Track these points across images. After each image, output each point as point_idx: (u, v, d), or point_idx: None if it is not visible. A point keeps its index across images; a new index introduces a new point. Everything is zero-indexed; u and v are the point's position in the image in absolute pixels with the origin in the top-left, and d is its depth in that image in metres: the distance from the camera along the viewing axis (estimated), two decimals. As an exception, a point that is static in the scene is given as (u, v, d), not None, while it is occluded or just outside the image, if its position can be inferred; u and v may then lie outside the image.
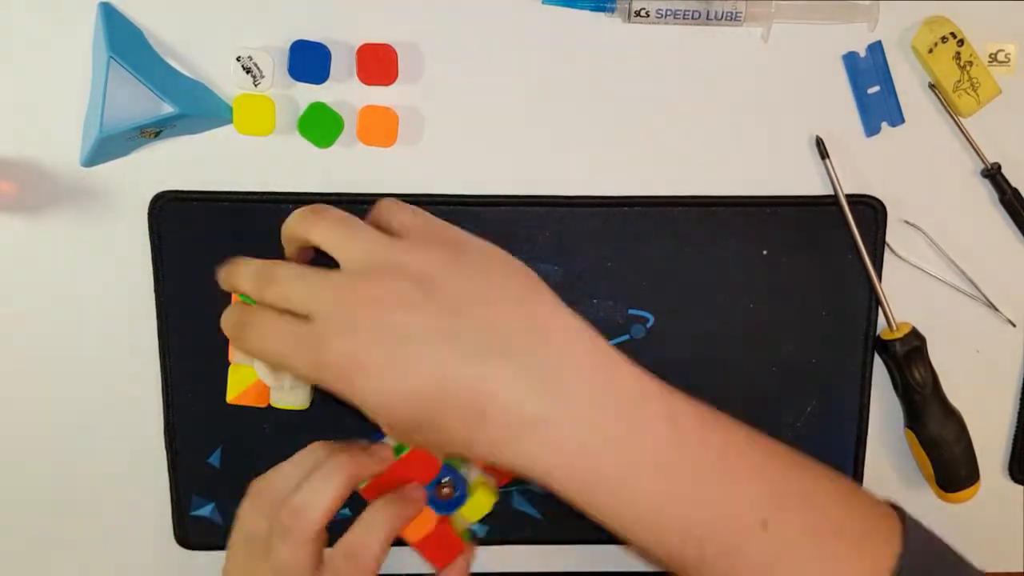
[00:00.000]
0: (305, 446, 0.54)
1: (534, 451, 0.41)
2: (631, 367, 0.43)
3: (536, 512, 0.61)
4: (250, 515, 0.50)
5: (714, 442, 0.43)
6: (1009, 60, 0.58)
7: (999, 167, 0.58)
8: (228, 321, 0.47)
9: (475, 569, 0.62)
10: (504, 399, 0.40)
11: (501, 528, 0.61)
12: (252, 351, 0.45)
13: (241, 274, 0.47)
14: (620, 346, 0.59)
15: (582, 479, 0.41)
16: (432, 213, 0.57)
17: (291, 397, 0.56)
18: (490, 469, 0.55)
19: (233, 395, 0.56)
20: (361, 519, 0.49)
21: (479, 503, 0.54)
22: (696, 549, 0.42)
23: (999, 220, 0.59)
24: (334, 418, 0.55)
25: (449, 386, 0.40)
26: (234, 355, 0.56)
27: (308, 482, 0.48)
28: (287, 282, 0.44)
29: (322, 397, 0.56)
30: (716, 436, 0.44)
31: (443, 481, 0.52)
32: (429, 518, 0.52)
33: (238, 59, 0.55)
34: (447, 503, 0.53)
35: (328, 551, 0.49)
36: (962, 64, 0.56)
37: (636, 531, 0.42)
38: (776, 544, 0.42)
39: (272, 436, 0.59)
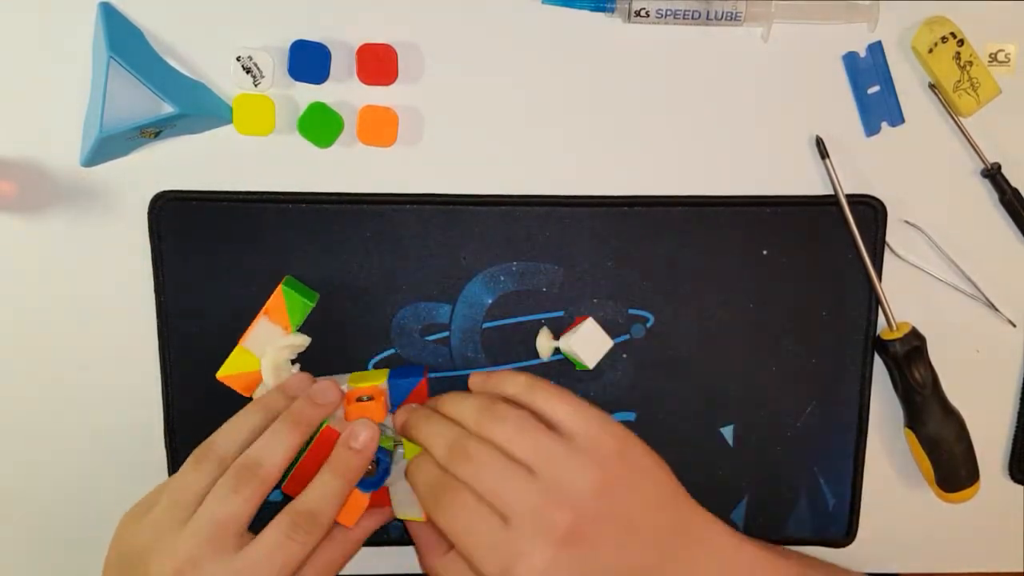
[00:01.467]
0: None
1: None
2: (756, 548, 0.51)
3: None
4: (191, 475, 0.50)
5: None
6: (1009, 60, 0.58)
7: (999, 167, 0.58)
8: (422, 479, 0.50)
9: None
10: None
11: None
12: (442, 525, 0.48)
13: (435, 432, 0.51)
14: (620, 346, 0.59)
15: None
16: (432, 213, 0.58)
17: None
18: None
19: (225, 373, 0.56)
20: (320, 481, 0.51)
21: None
22: None
23: (999, 220, 0.59)
24: None
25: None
26: (248, 342, 0.55)
27: (263, 438, 0.50)
28: (485, 469, 0.48)
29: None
30: None
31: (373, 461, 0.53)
32: (360, 501, 0.53)
33: (238, 59, 0.55)
34: (370, 481, 0.53)
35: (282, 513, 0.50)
36: (962, 64, 0.56)
37: None
38: None
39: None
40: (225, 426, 0.52)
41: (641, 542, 0.48)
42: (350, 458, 0.51)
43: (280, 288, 0.55)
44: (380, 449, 0.53)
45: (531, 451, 0.48)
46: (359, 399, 0.54)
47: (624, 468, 0.48)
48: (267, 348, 0.55)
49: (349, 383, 0.55)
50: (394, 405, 0.55)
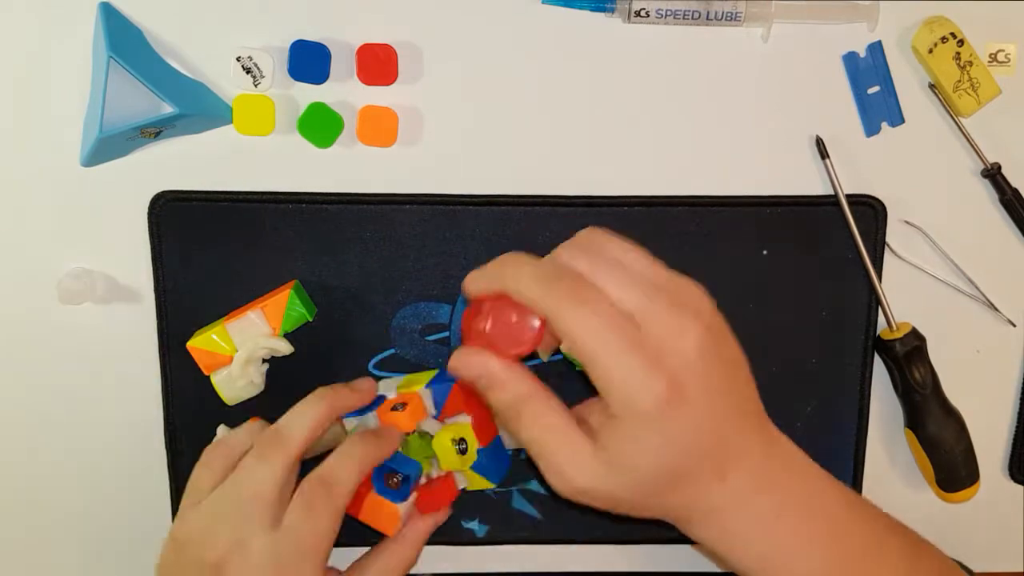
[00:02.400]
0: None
1: (741, 528, 0.45)
2: (818, 468, 0.48)
3: (536, 512, 0.61)
4: (205, 468, 0.53)
5: (868, 519, 0.48)
6: (1009, 60, 0.58)
7: (999, 167, 0.58)
8: (532, 272, 0.43)
9: (476, 569, 0.62)
10: (742, 480, 0.44)
11: (501, 528, 0.61)
12: (569, 322, 0.41)
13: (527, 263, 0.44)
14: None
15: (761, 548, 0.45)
16: (432, 213, 0.58)
17: (232, 391, 0.56)
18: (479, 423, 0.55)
19: (195, 344, 0.55)
20: (338, 450, 0.51)
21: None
22: None
23: (999, 220, 0.59)
24: (258, 414, 0.56)
25: (720, 439, 0.43)
26: (233, 326, 0.55)
27: (290, 411, 0.52)
28: (604, 271, 0.42)
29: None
30: (865, 514, 0.48)
31: (396, 471, 0.53)
32: (390, 511, 0.53)
33: (238, 59, 0.55)
34: (395, 493, 0.53)
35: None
36: (962, 64, 0.56)
37: None
38: None
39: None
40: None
41: (749, 389, 0.46)
42: (374, 439, 0.52)
43: (288, 292, 0.55)
44: (408, 461, 0.53)
45: (646, 265, 0.43)
46: (393, 408, 0.54)
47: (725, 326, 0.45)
48: (248, 341, 0.55)
49: (397, 389, 0.55)
50: (437, 408, 0.54)
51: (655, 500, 0.43)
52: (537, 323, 0.43)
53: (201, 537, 0.50)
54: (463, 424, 0.54)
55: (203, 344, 0.55)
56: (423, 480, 0.55)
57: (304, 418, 0.52)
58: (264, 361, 0.57)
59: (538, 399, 0.43)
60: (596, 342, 0.41)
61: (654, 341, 0.41)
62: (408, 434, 0.54)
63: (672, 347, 0.41)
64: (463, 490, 0.56)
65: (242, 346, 0.55)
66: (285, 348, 0.55)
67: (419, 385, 0.54)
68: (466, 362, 0.44)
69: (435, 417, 0.54)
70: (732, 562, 0.46)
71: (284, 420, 0.52)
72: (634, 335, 0.41)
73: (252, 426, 0.55)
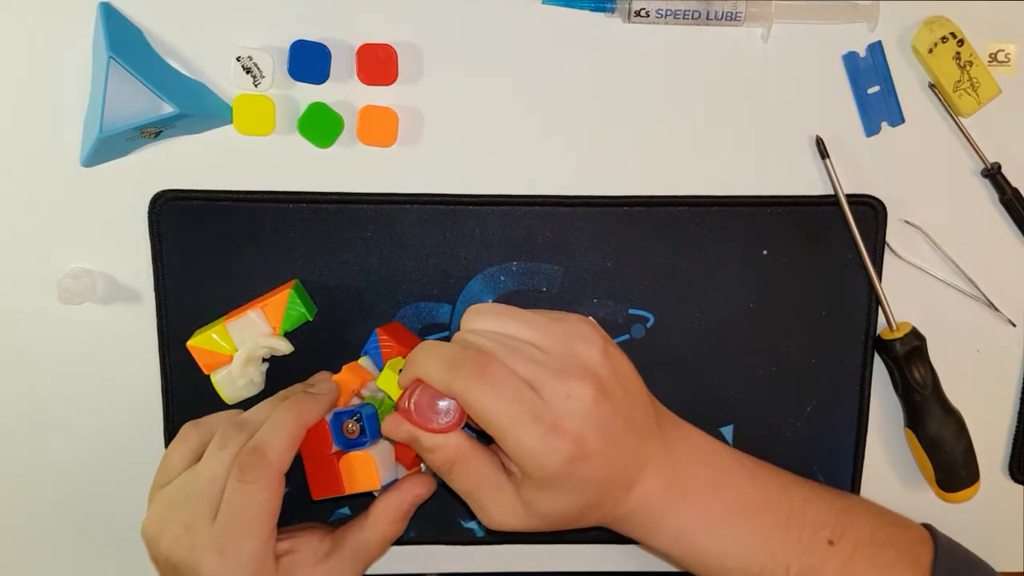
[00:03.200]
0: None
1: (655, 519, 0.50)
2: (719, 446, 0.53)
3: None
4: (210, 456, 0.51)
5: (783, 487, 0.53)
6: (1009, 60, 0.58)
7: (999, 167, 0.58)
8: (439, 354, 0.47)
9: (476, 569, 0.62)
10: (648, 484, 0.49)
11: (501, 528, 0.61)
12: (474, 397, 0.46)
13: (433, 345, 0.49)
14: (620, 345, 0.59)
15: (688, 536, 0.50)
16: (432, 213, 0.58)
17: (232, 390, 0.56)
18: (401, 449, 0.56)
19: (195, 343, 0.55)
20: (269, 419, 0.51)
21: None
22: (783, 572, 0.50)
23: (999, 220, 0.59)
24: None
25: (624, 467, 0.48)
26: (233, 324, 0.55)
27: (264, 425, 0.51)
28: (502, 345, 0.47)
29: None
30: (783, 483, 0.53)
31: (351, 418, 0.53)
32: (366, 461, 0.52)
33: (238, 59, 0.55)
34: (351, 440, 0.53)
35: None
36: (962, 64, 0.56)
37: (727, 563, 0.50)
38: (843, 557, 0.51)
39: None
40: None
41: (642, 406, 0.50)
42: (304, 397, 0.52)
43: (288, 291, 0.55)
44: (365, 407, 0.53)
45: (529, 327, 0.48)
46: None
47: (615, 352, 0.50)
48: (248, 340, 0.55)
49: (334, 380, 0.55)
50: (378, 364, 0.55)
51: (575, 524, 0.49)
52: (454, 404, 0.48)
53: (159, 529, 0.50)
54: (397, 360, 0.54)
55: (203, 343, 0.55)
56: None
57: (281, 432, 0.50)
58: (264, 360, 0.57)
59: (463, 458, 0.48)
60: (501, 419, 0.45)
61: (552, 406, 0.46)
62: (363, 398, 0.55)
63: (568, 408, 0.46)
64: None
65: (242, 345, 0.55)
66: (285, 347, 0.56)
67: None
68: (397, 430, 0.49)
69: (379, 369, 0.55)
70: (655, 548, 0.51)
71: (263, 436, 0.50)
72: (533, 405, 0.45)
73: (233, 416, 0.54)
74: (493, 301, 0.58)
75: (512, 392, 0.45)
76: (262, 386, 0.57)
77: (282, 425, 0.51)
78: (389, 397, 0.53)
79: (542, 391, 0.46)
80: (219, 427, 0.52)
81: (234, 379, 0.56)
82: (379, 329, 0.55)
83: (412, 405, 0.48)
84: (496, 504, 0.48)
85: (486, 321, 0.49)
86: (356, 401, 0.55)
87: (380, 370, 0.55)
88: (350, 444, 0.52)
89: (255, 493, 0.49)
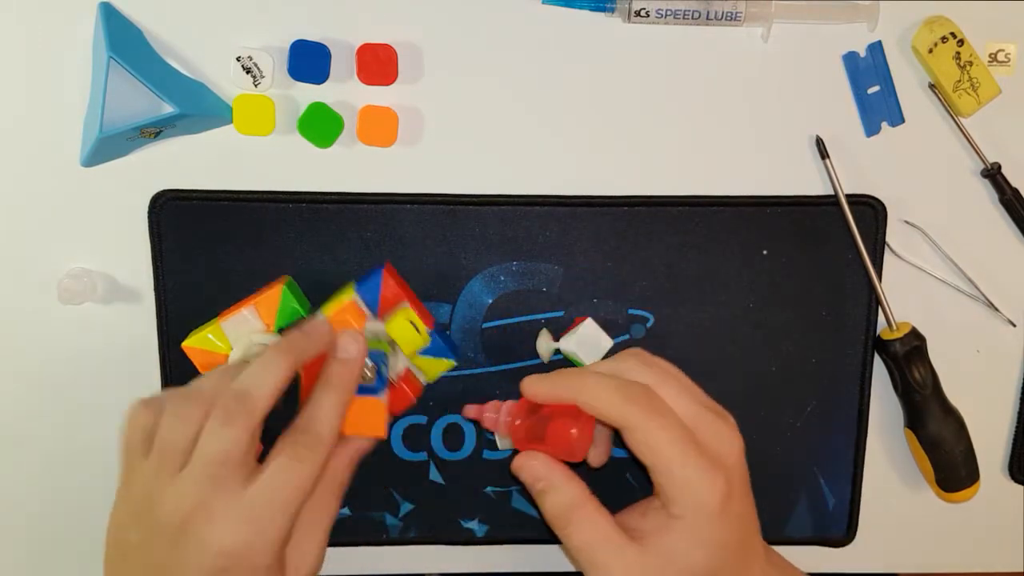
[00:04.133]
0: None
1: None
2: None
3: (536, 512, 0.61)
4: (173, 419, 0.48)
5: None
6: (1009, 60, 0.58)
7: (999, 167, 0.58)
8: (616, 387, 0.48)
9: (475, 569, 0.62)
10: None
11: (501, 528, 0.61)
12: (649, 437, 0.47)
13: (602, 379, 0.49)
14: (620, 345, 0.59)
15: None
16: (432, 213, 0.58)
17: None
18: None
19: (191, 344, 0.55)
20: (259, 358, 0.49)
21: (409, 338, 0.54)
22: None
23: (999, 220, 0.59)
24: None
25: (748, 535, 0.50)
26: (227, 323, 0.55)
27: (251, 367, 0.48)
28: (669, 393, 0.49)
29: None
30: None
31: (367, 363, 0.52)
32: (377, 407, 0.52)
33: (238, 59, 0.55)
34: (370, 387, 0.52)
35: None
36: (962, 64, 0.56)
37: None
38: None
39: (271, 437, 0.59)
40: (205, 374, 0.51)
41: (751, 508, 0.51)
42: (341, 370, 0.51)
43: (279, 288, 0.55)
44: (374, 352, 0.53)
45: (680, 376, 0.51)
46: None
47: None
48: (242, 338, 0.55)
49: (322, 311, 0.54)
50: (370, 306, 0.54)
51: None
52: (591, 437, 0.49)
53: (162, 499, 0.46)
54: (407, 309, 0.54)
55: (199, 343, 0.55)
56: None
57: (267, 380, 0.48)
58: None
59: (588, 507, 0.48)
60: (671, 451, 0.46)
61: (710, 446, 0.47)
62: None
63: (724, 451, 0.48)
64: (426, 385, 0.57)
65: (237, 343, 0.55)
66: None
67: (346, 297, 0.54)
68: (530, 466, 0.49)
69: (375, 318, 0.54)
70: None
71: (244, 379, 0.48)
72: (695, 442, 0.47)
73: (222, 372, 0.51)
74: (493, 301, 0.58)
75: (679, 426, 0.47)
76: None
77: (331, 406, 0.50)
78: (392, 343, 0.54)
79: (700, 430, 0.48)
80: (219, 387, 0.49)
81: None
82: (386, 271, 0.54)
83: (552, 434, 0.49)
84: (621, 563, 0.47)
85: (646, 360, 0.51)
86: None
87: (371, 310, 0.54)
88: (361, 389, 0.52)
89: (307, 472, 0.47)
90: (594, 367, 0.51)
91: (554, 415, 0.49)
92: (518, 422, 0.51)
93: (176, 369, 0.58)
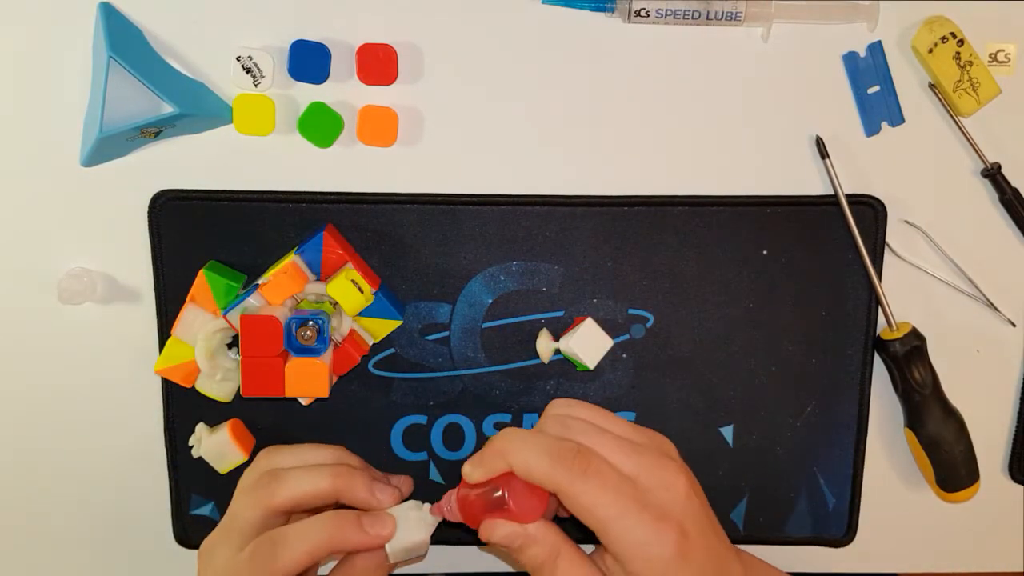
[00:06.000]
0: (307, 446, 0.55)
1: None
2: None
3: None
4: (253, 466, 0.53)
5: None
6: (1009, 60, 0.58)
7: (999, 167, 0.58)
8: (544, 447, 0.46)
9: (475, 569, 0.62)
10: None
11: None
12: (583, 491, 0.45)
13: (531, 435, 0.47)
14: (620, 346, 0.59)
15: None
16: (432, 213, 0.58)
17: (218, 388, 0.56)
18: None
19: (162, 366, 0.56)
20: (307, 520, 0.50)
21: (352, 300, 0.54)
22: None
23: (999, 220, 0.59)
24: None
25: (716, 567, 0.47)
26: (179, 330, 0.55)
27: (301, 468, 0.51)
28: (601, 439, 0.47)
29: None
30: None
31: (307, 323, 0.52)
32: (322, 371, 0.52)
33: (238, 59, 0.55)
34: (304, 347, 0.53)
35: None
36: (962, 64, 0.56)
37: None
38: None
39: (271, 436, 0.59)
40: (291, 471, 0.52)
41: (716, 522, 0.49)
42: (349, 530, 0.50)
43: (200, 274, 0.55)
44: (316, 313, 0.53)
45: (618, 425, 0.48)
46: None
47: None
48: (197, 335, 0.55)
49: (264, 276, 0.54)
50: (313, 268, 0.55)
51: None
52: (545, 495, 0.47)
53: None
54: (350, 269, 0.54)
55: (166, 362, 0.56)
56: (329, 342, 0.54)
57: (300, 545, 0.49)
58: (228, 346, 0.57)
59: (570, 553, 0.47)
60: (610, 510, 0.44)
61: (654, 497, 0.45)
62: (299, 303, 0.54)
63: (669, 497, 0.45)
64: (372, 345, 0.57)
65: (195, 342, 0.55)
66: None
67: (288, 257, 0.54)
68: (502, 531, 0.47)
69: (318, 279, 0.55)
70: None
71: (287, 475, 0.51)
72: (637, 496, 0.45)
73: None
74: (493, 301, 0.58)
75: (616, 483, 0.45)
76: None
77: (309, 540, 0.49)
78: (333, 302, 0.54)
79: (640, 482, 0.45)
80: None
81: (211, 377, 0.56)
82: (327, 231, 0.55)
83: (512, 502, 0.46)
84: None
85: (576, 411, 0.48)
86: (290, 303, 0.54)
87: (314, 272, 0.54)
88: (302, 350, 0.53)
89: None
90: (528, 432, 0.48)
91: (502, 483, 0.47)
92: (473, 495, 0.48)
93: (176, 369, 0.58)
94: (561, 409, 0.49)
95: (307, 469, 0.52)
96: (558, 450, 0.45)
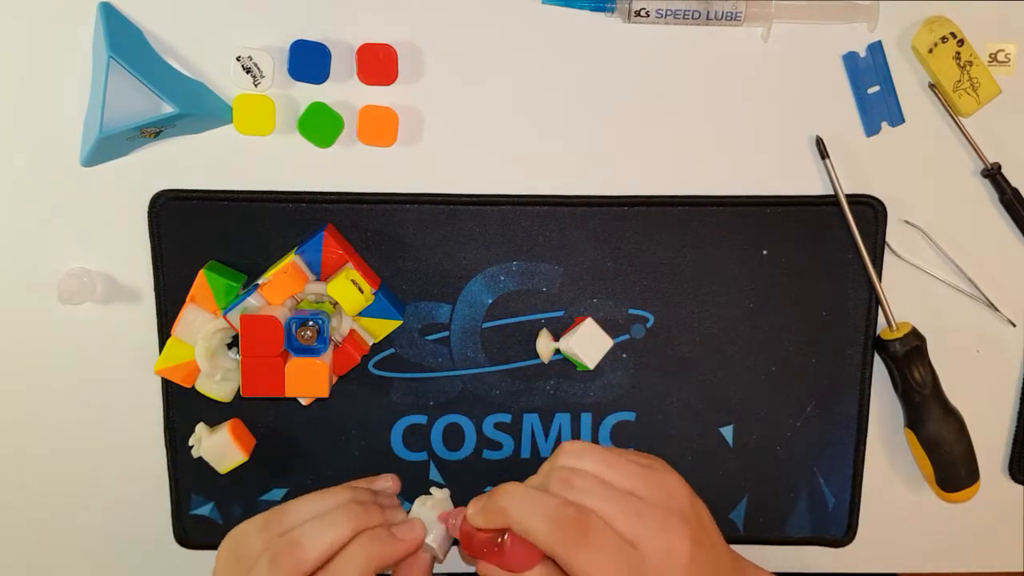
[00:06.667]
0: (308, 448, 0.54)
1: None
2: None
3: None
4: (252, 534, 0.50)
5: None
6: (1009, 60, 0.58)
7: (999, 167, 0.58)
8: (542, 511, 0.45)
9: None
10: None
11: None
12: (581, 558, 0.44)
13: (530, 493, 0.47)
14: (620, 346, 0.59)
15: None
16: (432, 213, 0.57)
17: (218, 388, 0.56)
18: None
19: (162, 366, 0.56)
20: (340, 555, 0.49)
21: (352, 300, 0.54)
22: None
23: (999, 220, 0.59)
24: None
25: None
26: (179, 330, 0.55)
27: (314, 520, 0.49)
28: (603, 499, 0.46)
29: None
30: None
31: (307, 323, 0.52)
32: (322, 371, 0.52)
33: (238, 59, 0.55)
34: (304, 347, 0.53)
35: None
36: (962, 64, 0.56)
37: None
38: None
39: (271, 437, 0.59)
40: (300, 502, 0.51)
41: (728, 555, 0.49)
42: (387, 543, 0.50)
43: (201, 274, 0.55)
44: (316, 313, 0.53)
45: (627, 476, 0.47)
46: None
47: (697, 500, 0.49)
48: (197, 335, 0.55)
49: (264, 276, 0.54)
50: (313, 268, 0.55)
51: None
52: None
53: None
54: (350, 269, 0.54)
55: (167, 362, 0.55)
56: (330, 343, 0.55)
57: (323, 537, 0.49)
58: (228, 346, 0.57)
59: None
60: None
61: (652, 562, 0.44)
62: (299, 303, 0.54)
63: (669, 564, 0.45)
64: (372, 345, 0.57)
65: (195, 342, 0.55)
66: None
67: (288, 257, 0.54)
68: (497, 572, 0.47)
69: (318, 279, 0.55)
70: None
71: (303, 531, 0.49)
72: (635, 565, 0.44)
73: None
74: (493, 301, 0.58)
75: (615, 552, 0.44)
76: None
77: (357, 565, 0.49)
78: (333, 302, 0.54)
79: (642, 547, 0.45)
80: (273, 530, 0.50)
81: (211, 377, 0.56)
82: (327, 231, 0.55)
83: (508, 552, 0.47)
84: None
85: (585, 463, 0.47)
86: (290, 303, 0.54)
87: (314, 272, 0.54)
88: (302, 350, 0.53)
89: None
90: (531, 480, 0.48)
91: (504, 529, 0.47)
92: (475, 530, 0.48)
93: (176, 369, 0.58)
94: (569, 460, 0.48)
95: (320, 520, 0.50)
96: (558, 516, 0.45)
